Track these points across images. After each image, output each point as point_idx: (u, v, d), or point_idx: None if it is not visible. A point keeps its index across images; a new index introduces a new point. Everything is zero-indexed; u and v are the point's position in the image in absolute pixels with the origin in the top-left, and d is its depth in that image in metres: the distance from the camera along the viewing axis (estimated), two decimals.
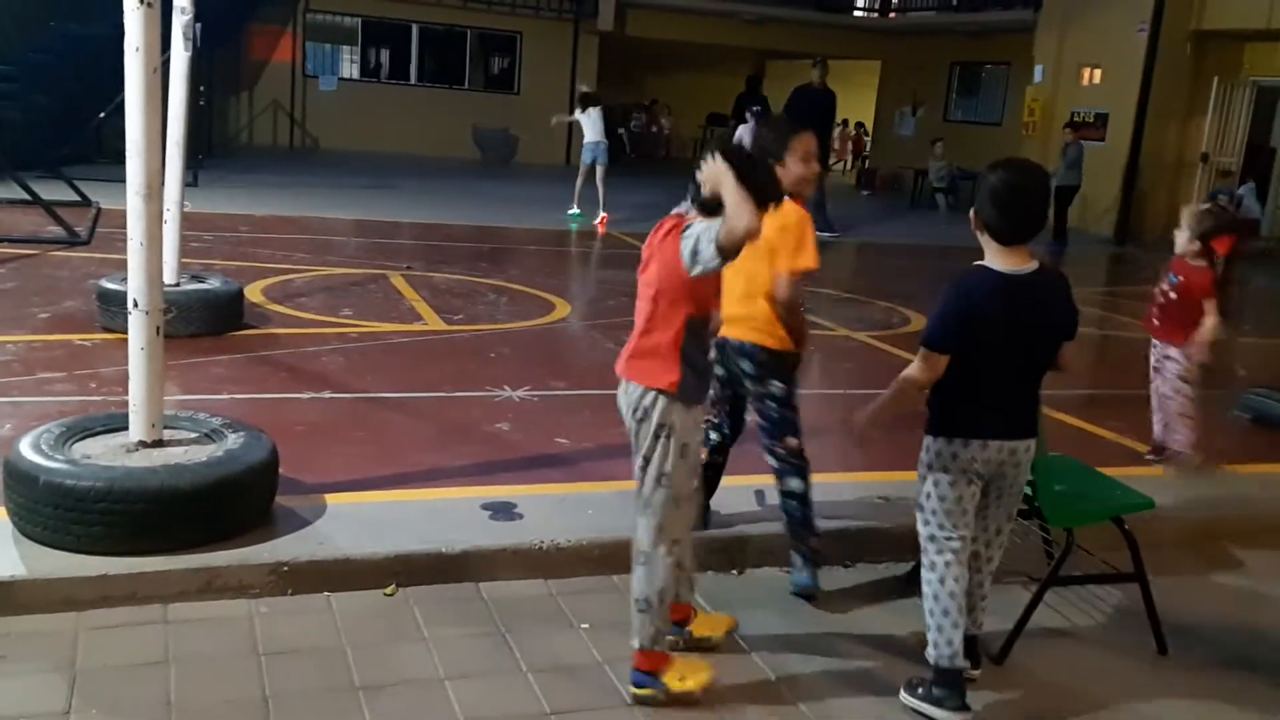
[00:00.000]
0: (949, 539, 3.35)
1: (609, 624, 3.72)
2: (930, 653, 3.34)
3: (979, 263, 3.24)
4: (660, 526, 3.23)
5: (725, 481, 4.95)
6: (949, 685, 3.29)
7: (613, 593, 3.96)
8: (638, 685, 3.29)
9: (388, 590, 3.80)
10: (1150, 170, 16.45)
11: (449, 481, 4.59)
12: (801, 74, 28.69)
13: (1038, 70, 18.27)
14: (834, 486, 5.00)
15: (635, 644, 3.29)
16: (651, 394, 3.18)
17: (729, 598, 4.00)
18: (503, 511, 4.25)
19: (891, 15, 25.02)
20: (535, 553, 4.01)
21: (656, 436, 3.18)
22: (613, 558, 4.08)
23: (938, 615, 3.33)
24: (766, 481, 4.77)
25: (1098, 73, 17.32)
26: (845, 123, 27.79)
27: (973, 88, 23.12)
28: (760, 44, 24.72)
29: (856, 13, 25.36)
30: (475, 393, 5.94)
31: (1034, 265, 3.22)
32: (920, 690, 3.35)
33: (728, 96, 23.93)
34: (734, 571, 4.22)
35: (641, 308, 3.23)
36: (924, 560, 3.41)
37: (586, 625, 3.70)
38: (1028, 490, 3.77)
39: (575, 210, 13.42)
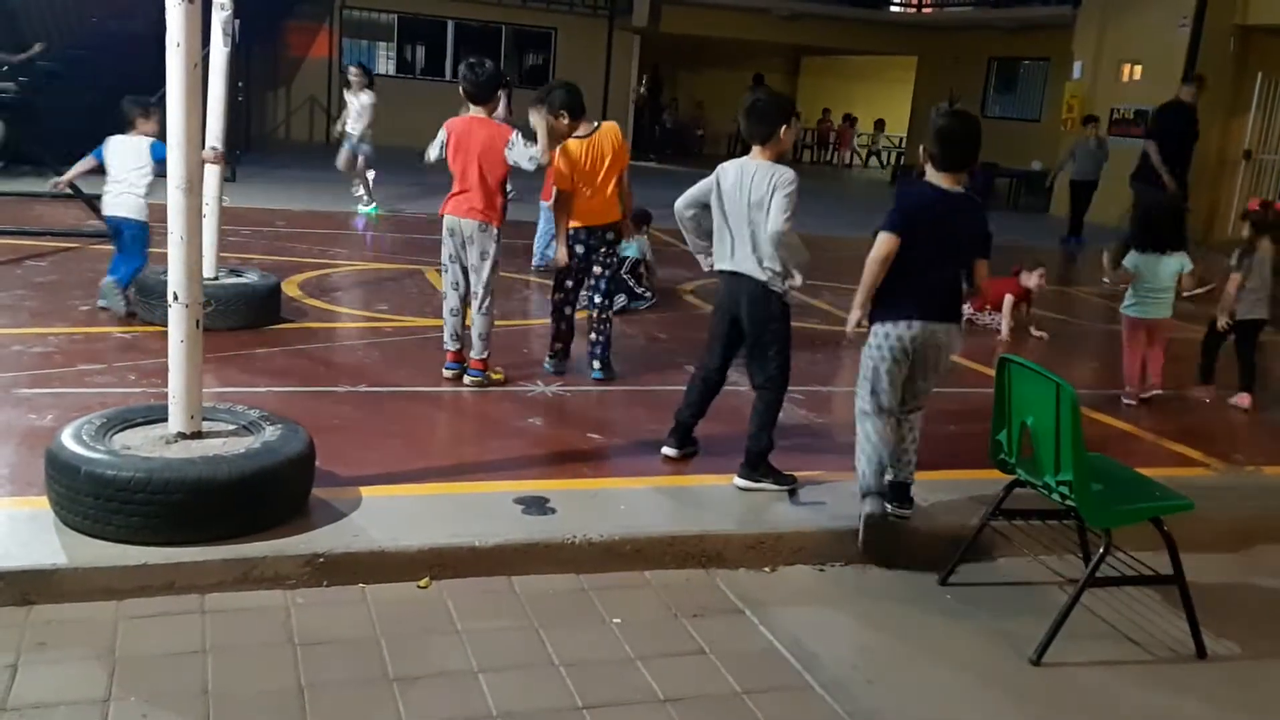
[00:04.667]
0: (879, 408, 4.31)
1: (641, 620, 3.73)
2: (859, 483, 4.34)
3: (924, 179, 4.30)
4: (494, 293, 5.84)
5: None
6: (878, 497, 4.31)
7: (645, 588, 3.97)
8: (475, 377, 5.84)
9: (422, 583, 3.82)
10: (1192, 167, 16.22)
11: (482, 475, 4.61)
12: (838, 69, 28.55)
13: (1076, 66, 18.07)
14: None
15: (480, 356, 5.85)
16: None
17: (761, 594, 3.99)
18: (535, 506, 4.26)
19: (928, 10, 24.83)
20: (568, 547, 4.02)
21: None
22: (645, 553, 4.09)
23: (863, 462, 4.35)
24: (799, 477, 4.77)
25: (1138, 69, 17.10)
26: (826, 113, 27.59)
27: (1011, 84, 22.90)
28: (795, 40, 24.62)
29: (893, 8, 25.18)
30: (508, 387, 5.95)
31: (960, 189, 4.27)
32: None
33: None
34: (766, 569, 4.20)
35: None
36: (858, 420, 4.37)
37: (619, 620, 3.71)
38: (1065, 490, 3.75)
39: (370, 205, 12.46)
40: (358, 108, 12.22)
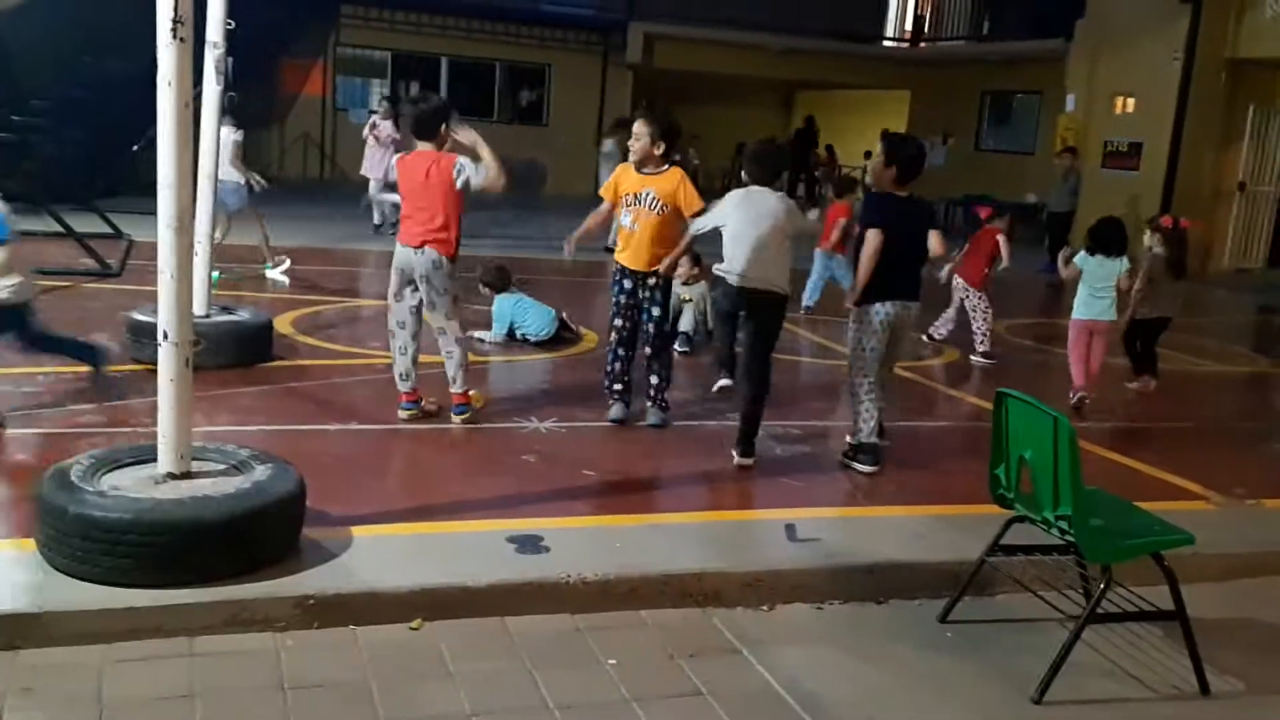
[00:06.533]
0: (868, 374, 5.48)
1: (637, 660, 3.67)
2: (859, 437, 5.52)
3: (884, 189, 5.51)
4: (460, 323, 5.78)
5: (754, 514, 4.94)
6: (871, 452, 5.51)
7: (641, 628, 3.91)
8: (461, 414, 5.78)
9: (414, 624, 3.76)
10: (1186, 199, 16.29)
11: (475, 514, 4.56)
12: (831, 103, 28.72)
13: (1069, 99, 18.15)
14: (868, 521, 4.95)
15: (461, 389, 5.79)
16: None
17: (758, 634, 3.94)
18: (529, 544, 4.21)
19: (921, 45, 24.97)
20: (561, 587, 3.97)
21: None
22: (640, 592, 4.04)
23: (863, 415, 5.49)
24: (796, 515, 4.75)
25: (1131, 101, 17.19)
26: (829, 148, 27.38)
27: (1004, 117, 22.98)
28: (788, 75, 24.74)
29: (885, 43, 25.33)
30: (502, 424, 5.92)
31: (908, 193, 5.50)
32: (849, 454, 5.57)
33: (756, 127, 23.94)
34: (764, 608, 4.15)
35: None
36: (854, 383, 5.52)
37: (614, 661, 3.65)
38: (1064, 525, 3.71)
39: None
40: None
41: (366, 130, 14.16)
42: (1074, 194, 15.36)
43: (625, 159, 6.09)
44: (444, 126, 5.66)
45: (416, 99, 5.79)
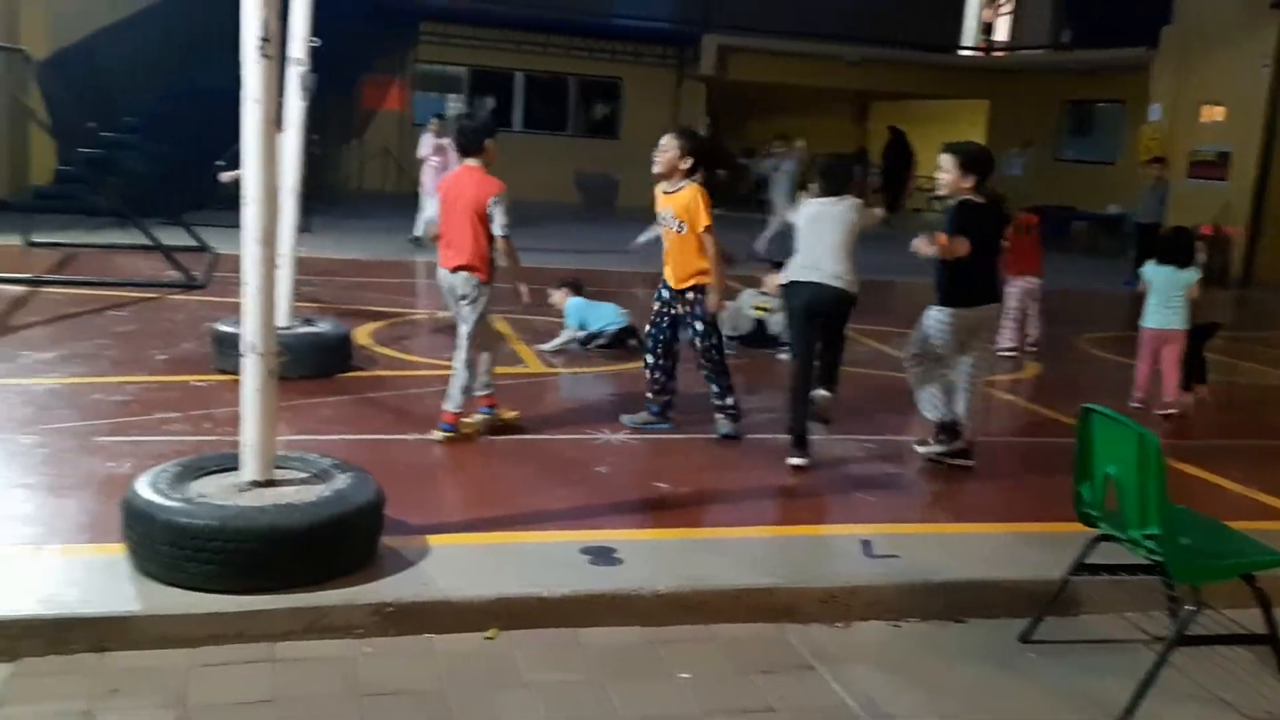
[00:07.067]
0: (932, 367, 5.71)
1: (709, 675, 3.65)
2: (933, 416, 5.74)
3: (964, 197, 5.57)
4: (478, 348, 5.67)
5: (829, 529, 4.90)
6: (947, 431, 5.73)
7: (712, 642, 3.89)
8: (445, 431, 5.60)
9: (489, 634, 3.79)
10: (1276, 209, 15.84)
11: (549, 524, 4.58)
12: (908, 113, 28.44)
13: (1153, 109, 17.76)
14: (946, 538, 4.87)
15: (453, 410, 5.60)
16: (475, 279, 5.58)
17: (834, 650, 3.89)
18: (602, 556, 4.22)
19: (999, 54, 24.61)
20: (634, 599, 3.96)
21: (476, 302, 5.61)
22: (712, 605, 4.02)
23: (933, 406, 5.71)
24: (872, 530, 4.69)
25: (1218, 110, 16.76)
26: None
27: (1085, 126, 22.55)
28: (863, 85, 24.54)
29: (962, 52, 25.01)
30: (575, 435, 5.95)
31: (985, 199, 5.63)
32: (930, 442, 5.81)
33: (830, 139, 23.80)
34: (840, 624, 4.10)
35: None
36: (919, 376, 5.75)
37: (686, 675, 3.63)
38: (1151, 544, 3.61)
39: None
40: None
41: (428, 149, 13.39)
42: (1162, 204, 14.95)
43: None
44: (488, 141, 5.64)
45: (461, 115, 5.82)
